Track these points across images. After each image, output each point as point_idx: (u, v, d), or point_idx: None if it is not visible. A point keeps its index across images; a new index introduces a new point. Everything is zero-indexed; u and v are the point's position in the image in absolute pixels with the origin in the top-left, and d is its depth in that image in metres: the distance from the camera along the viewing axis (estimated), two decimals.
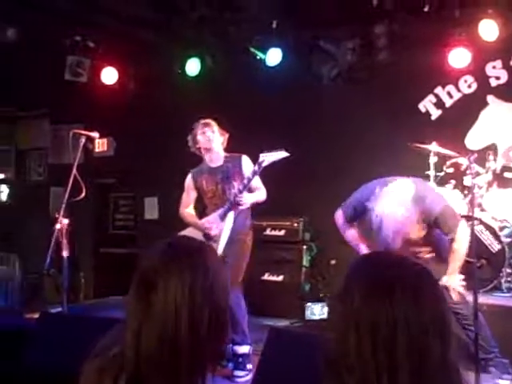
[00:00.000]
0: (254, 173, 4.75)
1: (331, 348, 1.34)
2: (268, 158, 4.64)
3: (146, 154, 8.09)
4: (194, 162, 5.22)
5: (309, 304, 6.26)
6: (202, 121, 5.01)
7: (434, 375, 1.27)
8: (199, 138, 4.98)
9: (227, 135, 5.05)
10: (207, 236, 4.95)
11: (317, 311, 6.20)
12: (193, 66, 7.39)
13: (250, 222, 5.12)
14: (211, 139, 4.95)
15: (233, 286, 4.80)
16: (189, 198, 5.17)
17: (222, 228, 4.90)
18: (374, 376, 1.26)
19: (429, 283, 1.37)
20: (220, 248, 4.90)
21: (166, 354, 1.39)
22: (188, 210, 5.16)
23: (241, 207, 4.85)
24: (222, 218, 4.90)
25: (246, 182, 4.79)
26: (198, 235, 4.99)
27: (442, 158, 5.94)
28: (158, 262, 1.47)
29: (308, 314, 6.23)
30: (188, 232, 5.10)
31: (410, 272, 1.37)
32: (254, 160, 4.92)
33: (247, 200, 4.84)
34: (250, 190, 4.94)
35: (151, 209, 8.39)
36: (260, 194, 4.97)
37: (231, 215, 4.89)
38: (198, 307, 1.43)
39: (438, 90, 6.99)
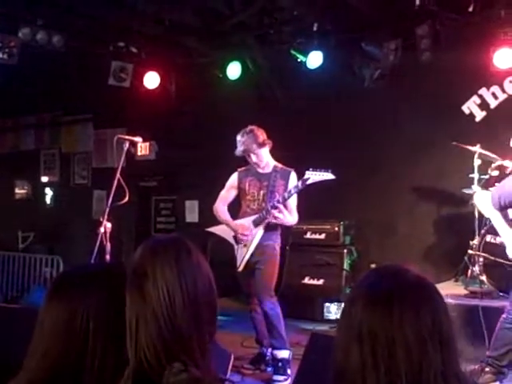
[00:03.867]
0: (297, 188, 4.73)
1: (337, 360, 1.35)
2: (313, 176, 4.63)
3: (188, 158, 8.16)
4: (234, 166, 5.22)
5: None
6: (249, 127, 4.97)
7: None
8: (243, 145, 4.92)
9: (271, 143, 4.97)
10: (238, 239, 4.96)
11: None
12: (234, 70, 7.42)
13: (280, 229, 5.07)
14: (256, 145, 4.88)
15: (266, 292, 4.84)
16: (228, 195, 5.15)
17: (254, 234, 4.90)
18: None
19: (429, 295, 1.36)
20: (248, 253, 4.91)
21: (167, 337, 1.44)
22: (225, 207, 5.14)
23: (269, 219, 4.82)
24: (256, 224, 4.89)
25: (286, 194, 4.78)
26: (229, 235, 5.04)
27: (486, 161, 5.82)
28: (149, 253, 1.54)
29: None
30: (219, 230, 5.12)
31: (410, 283, 1.37)
32: (297, 169, 4.92)
33: (279, 215, 4.78)
34: (285, 207, 4.88)
35: (192, 212, 8.46)
36: (291, 216, 4.91)
37: (264, 224, 4.87)
38: (189, 290, 1.49)
39: (483, 91, 6.85)
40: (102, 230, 4.34)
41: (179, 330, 1.46)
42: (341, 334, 1.37)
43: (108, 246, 4.34)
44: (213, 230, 5.19)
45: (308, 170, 4.66)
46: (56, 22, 6.56)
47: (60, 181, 10.08)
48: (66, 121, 9.90)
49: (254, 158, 4.94)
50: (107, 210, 4.54)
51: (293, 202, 4.91)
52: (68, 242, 9.12)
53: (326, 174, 4.66)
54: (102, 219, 4.44)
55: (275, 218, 4.79)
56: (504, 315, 4.17)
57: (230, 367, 3.07)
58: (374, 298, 1.34)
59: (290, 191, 4.77)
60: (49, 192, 10.31)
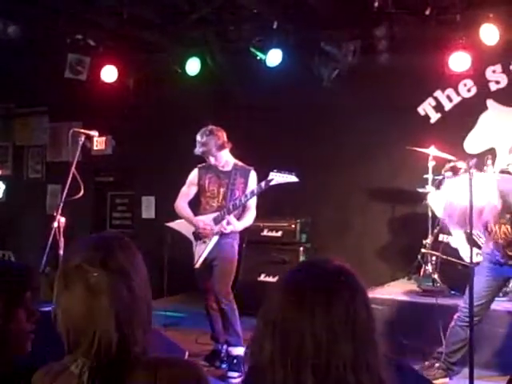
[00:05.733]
0: (260, 188, 4.78)
1: (252, 354, 1.35)
2: (277, 178, 4.72)
3: (145, 154, 8.08)
4: (193, 162, 5.20)
5: None
6: (209, 128, 4.97)
7: (342, 380, 1.25)
8: (203, 146, 4.93)
9: (230, 145, 5.00)
10: (197, 235, 4.97)
11: None
12: (193, 66, 7.39)
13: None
14: (214, 147, 4.90)
15: (223, 289, 4.86)
16: (189, 191, 5.16)
17: (213, 231, 4.91)
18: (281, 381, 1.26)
19: (345, 286, 1.34)
20: (207, 250, 4.92)
21: (117, 329, 1.50)
22: (185, 204, 5.15)
23: (222, 229, 4.85)
24: (216, 222, 4.90)
25: (249, 194, 4.82)
26: (189, 231, 5.04)
27: (441, 162, 5.93)
28: (92, 248, 1.59)
29: None
30: (178, 225, 5.13)
31: (325, 275, 1.35)
32: (254, 164, 4.96)
33: (231, 226, 4.85)
34: (244, 207, 4.96)
35: (148, 208, 8.38)
36: (247, 218, 4.99)
37: (224, 222, 4.88)
38: (131, 284, 1.56)
39: (438, 93, 6.98)
40: (55, 224, 4.28)
41: (125, 322, 1.51)
42: (258, 328, 1.36)
43: (61, 241, 4.28)
44: (171, 225, 5.19)
45: (272, 170, 4.73)
46: (12, 12, 6.40)
47: (13, 175, 9.84)
48: (19, 113, 9.67)
49: (212, 160, 4.96)
50: (61, 204, 4.48)
51: (253, 200, 4.95)
52: (20, 237, 8.93)
53: (289, 176, 4.74)
54: (55, 214, 4.38)
55: (225, 228, 4.83)
56: (457, 314, 4.26)
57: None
58: (288, 291, 1.34)
59: (253, 191, 4.82)
60: (1, 186, 10.07)
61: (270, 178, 4.71)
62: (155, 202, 8.30)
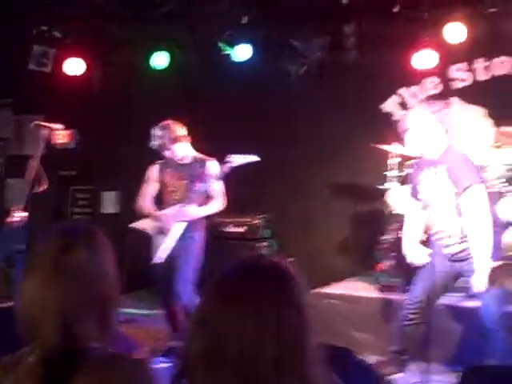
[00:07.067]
0: (222, 173, 4.82)
1: (181, 354, 1.33)
2: (237, 160, 4.77)
3: (109, 148, 7.96)
4: (156, 156, 5.18)
5: None
6: (165, 122, 5.00)
7: (264, 380, 1.23)
8: (159, 139, 4.96)
9: (188, 138, 5.03)
10: (161, 228, 4.95)
11: None
12: (160, 60, 7.34)
13: (205, 221, 5.14)
14: (170, 141, 4.93)
15: (186, 285, 4.84)
16: (150, 189, 5.13)
17: (177, 224, 4.91)
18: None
19: (277, 284, 1.31)
20: (170, 244, 4.91)
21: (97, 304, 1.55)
22: (149, 201, 5.12)
23: (184, 218, 4.87)
24: (179, 212, 4.91)
25: (211, 180, 4.85)
26: (152, 227, 5.03)
27: (405, 159, 5.98)
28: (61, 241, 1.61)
29: None
30: (143, 223, 5.10)
31: (255, 274, 1.33)
32: (221, 158, 4.97)
33: (192, 213, 4.87)
34: (209, 196, 4.98)
35: (109, 203, 8.29)
36: (211, 205, 5.01)
37: (186, 210, 4.90)
38: (97, 269, 1.62)
39: (403, 90, 7.03)
40: (12, 218, 4.22)
41: (79, 315, 1.52)
42: (190, 328, 1.34)
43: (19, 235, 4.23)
44: (136, 225, 5.16)
45: (231, 152, 4.80)
46: None
47: None
48: None
49: (167, 153, 4.98)
50: (23, 199, 4.42)
51: (218, 187, 4.97)
52: None
53: (249, 156, 4.80)
54: (15, 208, 4.32)
55: (188, 215, 4.85)
56: (403, 311, 4.30)
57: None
58: (217, 289, 1.32)
59: (216, 175, 4.86)
60: None
61: (230, 159, 4.77)
62: (118, 197, 8.22)
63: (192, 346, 1.29)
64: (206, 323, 1.28)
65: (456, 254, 4.06)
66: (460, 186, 3.89)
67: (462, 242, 4.01)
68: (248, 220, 6.78)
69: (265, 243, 6.73)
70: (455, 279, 4.23)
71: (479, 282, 3.81)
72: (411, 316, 4.19)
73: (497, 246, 4.04)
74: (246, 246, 6.62)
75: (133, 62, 7.58)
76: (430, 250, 4.18)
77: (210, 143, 5.23)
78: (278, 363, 1.23)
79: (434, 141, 4.06)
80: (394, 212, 5.79)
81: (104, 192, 8.32)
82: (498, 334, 3.85)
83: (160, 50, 7.35)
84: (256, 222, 6.77)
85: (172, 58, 7.38)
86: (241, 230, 6.77)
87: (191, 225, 4.95)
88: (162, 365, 4.76)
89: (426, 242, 4.35)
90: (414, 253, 4.22)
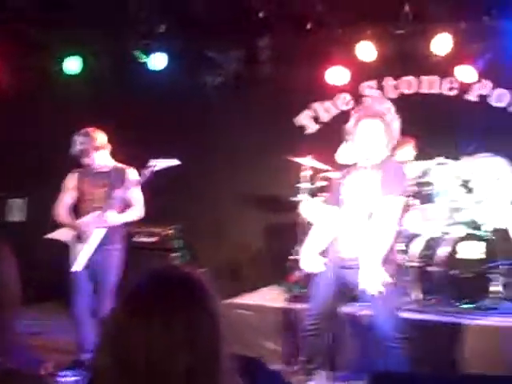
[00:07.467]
0: (144, 177, 4.81)
1: (91, 366, 1.31)
2: (159, 164, 4.76)
3: (19, 154, 7.64)
4: (70, 163, 5.07)
5: None
6: (85, 129, 4.90)
7: None
8: (80, 146, 4.85)
9: (109, 146, 4.98)
10: (79, 237, 4.86)
11: None
12: (73, 65, 7.20)
13: (123, 232, 5.09)
14: (90, 148, 4.84)
15: (105, 295, 4.76)
16: (68, 197, 5.01)
17: (96, 232, 4.83)
18: None
19: (188, 295, 1.30)
20: (88, 252, 4.81)
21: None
22: (65, 210, 5.01)
23: (103, 224, 4.81)
24: (97, 219, 4.83)
25: (131, 186, 4.83)
26: (68, 237, 4.92)
27: (316, 172, 6.12)
28: None
29: None
30: (59, 233, 4.98)
31: (169, 283, 1.32)
32: (140, 166, 4.94)
33: (111, 220, 4.82)
34: (128, 203, 4.94)
35: (15, 210, 7.97)
36: (130, 213, 4.98)
37: (105, 216, 4.82)
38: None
39: (317, 105, 7.20)
40: None
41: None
42: (99, 341, 1.31)
43: None
44: (51, 236, 5.02)
45: (151, 158, 4.80)
46: None
47: None
48: None
49: (88, 161, 4.90)
50: None
51: (138, 195, 4.95)
52: None
53: (171, 160, 4.81)
54: None
55: (106, 221, 4.79)
56: (304, 322, 4.36)
57: (46, 373, 2.94)
58: (127, 300, 1.30)
59: (137, 181, 4.85)
60: None
61: (152, 164, 4.77)
62: (26, 205, 7.92)
63: (100, 359, 1.26)
64: (115, 335, 1.26)
65: (353, 261, 4.04)
66: (385, 192, 3.97)
67: (361, 250, 4.05)
68: (159, 230, 6.71)
69: (176, 254, 6.67)
70: (351, 287, 4.20)
71: (372, 286, 3.83)
72: (310, 327, 4.24)
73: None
74: (157, 257, 6.54)
75: (46, 66, 7.38)
76: (325, 260, 4.20)
77: (123, 152, 5.15)
78: (190, 375, 1.22)
79: (377, 148, 4.12)
80: (306, 223, 5.90)
81: (11, 199, 7.99)
82: (397, 342, 3.95)
83: (73, 54, 7.20)
84: (168, 232, 6.72)
85: (85, 63, 7.24)
86: (152, 240, 6.69)
87: (110, 235, 4.88)
88: (67, 378, 4.68)
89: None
90: (309, 260, 4.22)
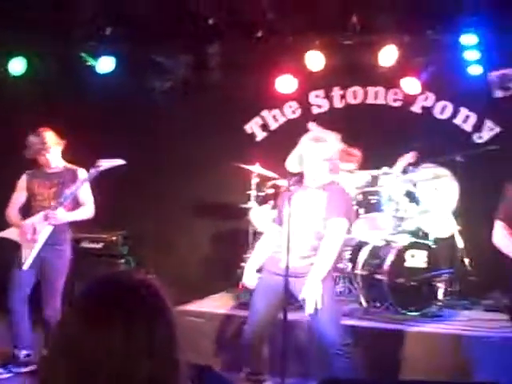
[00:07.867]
0: (90, 175, 4.93)
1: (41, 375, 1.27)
2: (105, 164, 4.87)
3: None
4: (24, 165, 5.14)
5: None
6: (40, 129, 5.01)
7: None
8: (33, 146, 4.97)
9: (63, 143, 5.09)
10: (26, 237, 4.90)
11: None
12: (17, 66, 7.03)
13: (70, 233, 5.18)
14: (43, 148, 4.95)
15: (51, 297, 4.87)
16: (19, 198, 5.14)
17: (42, 230, 4.89)
18: None
19: (146, 301, 1.28)
20: (35, 251, 4.86)
21: None
22: (15, 210, 5.11)
23: (53, 222, 4.89)
24: (46, 217, 4.90)
25: (78, 184, 4.93)
26: (18, 235, 4.98)
27: (265, 179, 6.15)
28: None
29: None
30: (11, 233, 5.05)
31: (125, 289, 1.29)
32: (87, 167, 5.02)
33: (60, 217, 4.90)
34: (78, 203, 5.05)
35: None
36: (79, 211, 5.08)
37: (53, 214, 4.89)
38: None
39: (265, 113, 7.23)
40: None
41: None
42: (51, 354, 1.26)
43: None
44: (3, 234, 5.09)
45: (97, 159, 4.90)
46: None
47: None
48: None
49: (41, 160, 5.01)
50: None
51: (88, 194, 5.06)
52: None
53: (116, 160, 4.92)
54: None
55: (57, 221, 4.87)
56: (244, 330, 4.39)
57: None
58: (82, 306, 1.27)
59: (84, 179, 4.96)
60: None
61: (98, 163, 4.87)
62: None
63: (52, 370, 1.22)
64: (70, 344, 1.22)
65: (295, 269, 4.05)
66: (329, 214, 4.07)
67: (305, 258, 4.12)
68: (105, 236, 6.60)
69: (122, 260, 6.58)
70: (293, 295, 4.22)
71: (309, 304, 3.90)
72: (249, 335, 4.28)
73: None
74: (102, 263, 6.43)
75: None
76: (259, 275, 4.25)
77: (71, 154, 5.19)
78: (152, 382, 1.20)
79: (323, 171, 4.22)
80: (257, 230, 5.92)
81: None
82: (342, 349, 4.00)
83: (17, 55, 7.03)
84: (113, 238, 6.62)
85: (30, 64, 7.08)
86: (97, 246, 6.58)
87: (58, 235, 4.96)
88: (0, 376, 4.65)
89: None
90: (249, 276, 4.33)
